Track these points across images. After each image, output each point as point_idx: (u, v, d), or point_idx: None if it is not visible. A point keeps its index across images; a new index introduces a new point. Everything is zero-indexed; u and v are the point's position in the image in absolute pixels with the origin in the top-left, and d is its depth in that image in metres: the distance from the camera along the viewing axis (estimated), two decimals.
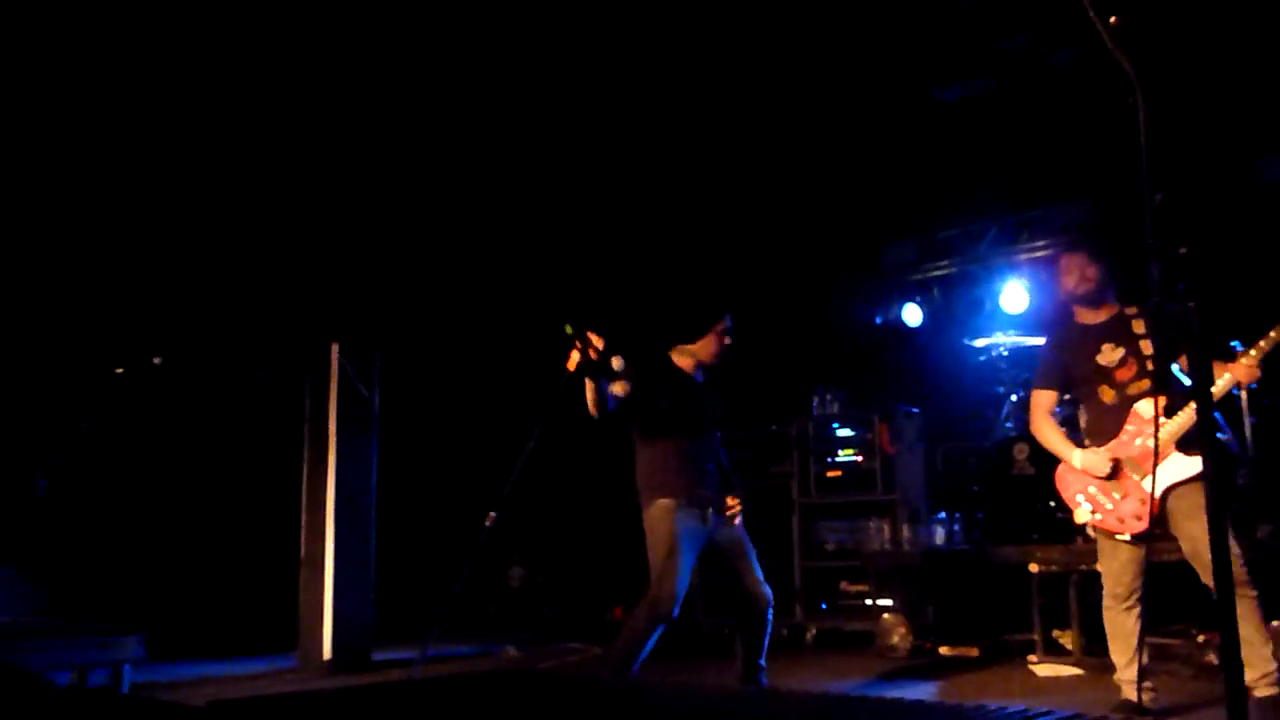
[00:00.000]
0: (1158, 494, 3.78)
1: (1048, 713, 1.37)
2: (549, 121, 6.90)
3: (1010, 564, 5.51)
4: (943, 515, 6.50)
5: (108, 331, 6.53)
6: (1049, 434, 4.18)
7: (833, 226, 8.01)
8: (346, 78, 6.28)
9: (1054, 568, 5.34)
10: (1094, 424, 4.14)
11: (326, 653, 5.90)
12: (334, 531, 6.02)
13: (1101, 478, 3.94)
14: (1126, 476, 3.92)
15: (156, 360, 5.40)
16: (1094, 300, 4.09)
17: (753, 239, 7.89)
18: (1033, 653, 5.38)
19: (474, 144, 7.03)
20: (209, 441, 7.31)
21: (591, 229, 7.72)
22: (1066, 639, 5.32)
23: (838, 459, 6.70)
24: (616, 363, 4.11)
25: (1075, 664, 5.15)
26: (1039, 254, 7.34)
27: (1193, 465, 3.77)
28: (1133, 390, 3.95)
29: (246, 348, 7.21)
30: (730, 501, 4.29)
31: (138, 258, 6.94)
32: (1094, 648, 5.14)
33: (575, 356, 4.03)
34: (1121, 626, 3.90)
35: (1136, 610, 3.88)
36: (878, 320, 7.97)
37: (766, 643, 4.18)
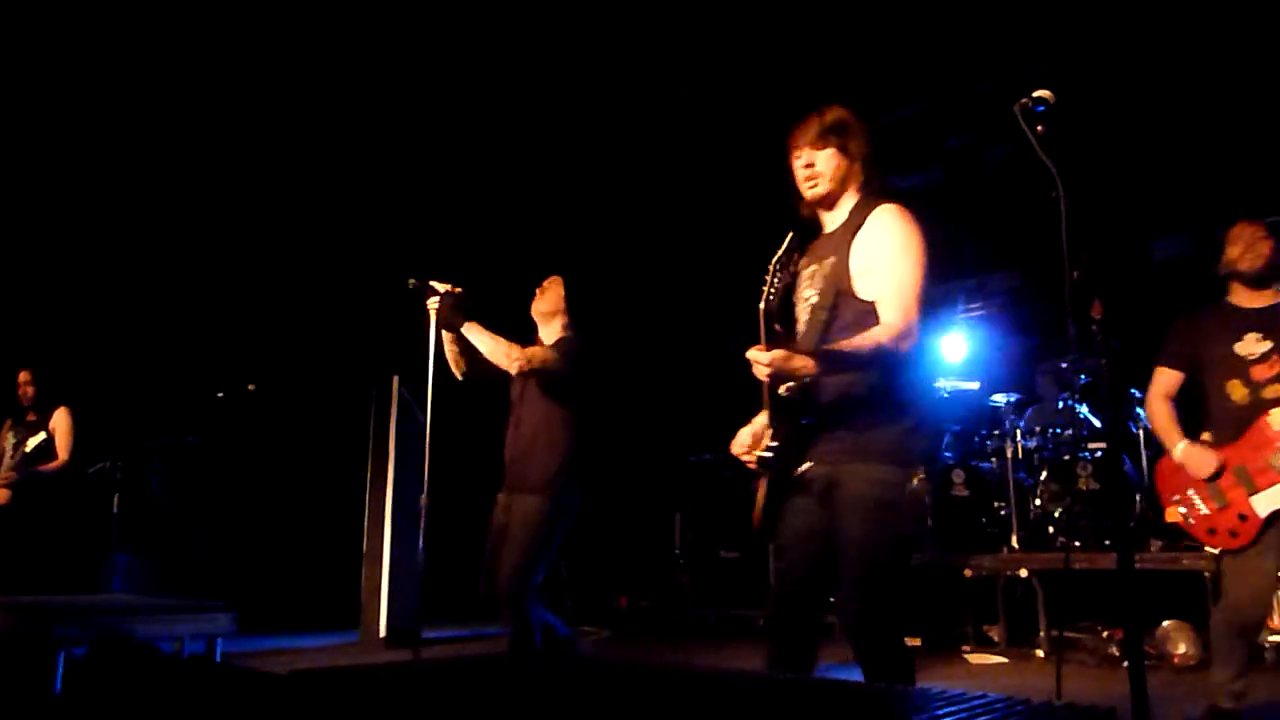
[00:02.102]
0: (1262, 514, 2.97)
1: (982, 696, 1.37)
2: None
3: (948, 569, 5.49)
4: None
5: (212, 362, 6.59)
6: (1158, 416, 3.25)
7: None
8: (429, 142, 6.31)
9: (984, 573, 5.32)
10: (1216, 419, 3.19)
11: (382, 630, 5.90)
12: (390, 531, 6.04)
13: (1203, 479, 3.09)
14: (1234, 486, 3.04)
15: (251, 387, 5.43)
16: (1257, 280, 3.14)
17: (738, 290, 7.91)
18: (966, 643, 5.35)
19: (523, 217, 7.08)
20: (290, 454, 7.33)
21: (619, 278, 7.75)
22: (994, 632, 5.29)
23: None
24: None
25: (1001, 654, 5.12)
26: (975, 313, 7.38)
27: None
28: (1269, 393, 3.03)
29: (325, 378, 7.25)
30: None
31: (238, 301, 7.01)
32: (1017, 640, 5.14)
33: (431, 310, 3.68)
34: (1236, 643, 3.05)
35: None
36: None
37: None
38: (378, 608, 5.97)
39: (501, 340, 3.61)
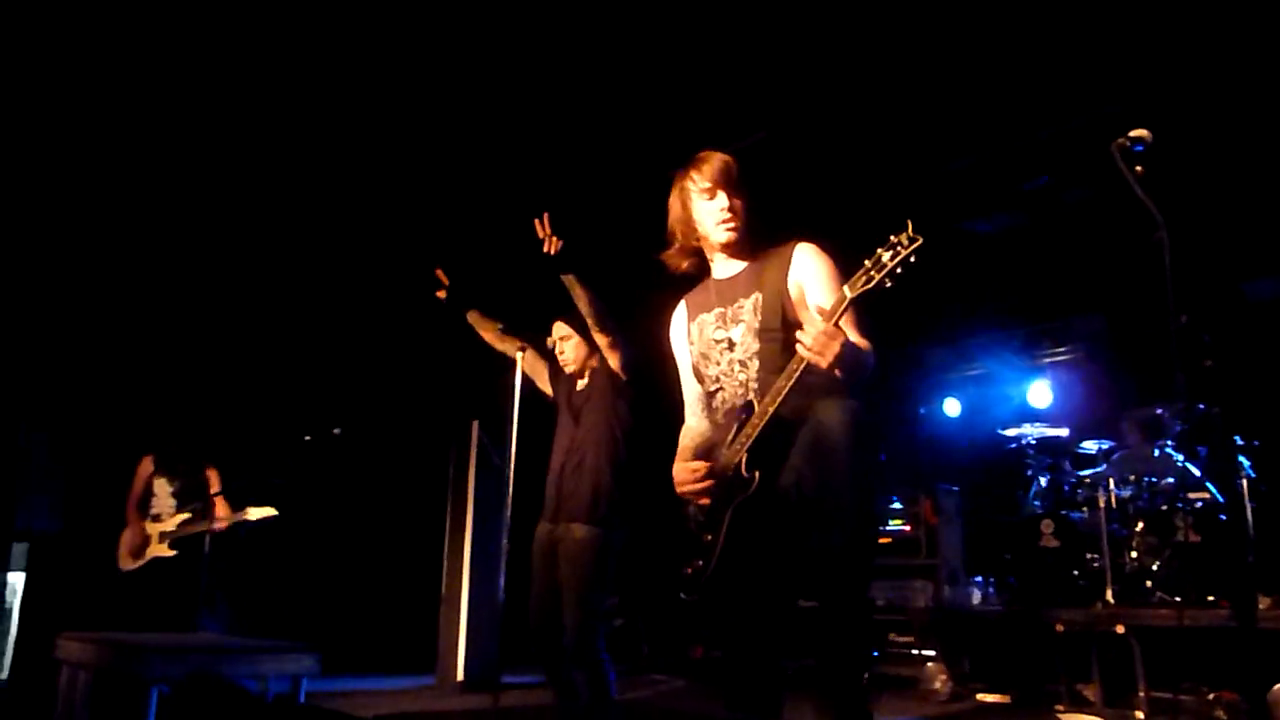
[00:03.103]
0: None
1: None
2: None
3: (1038, 623, 5.27)
4: (979, 579, 6.27)
5: (298, 405, 6.77)
6: None
7: (882, 336, 7.91)
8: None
9: (1077, 628, 5.09)
10: None
11: (459, 675, 5.90)
12: (469, 576, 6.07)
13: None
14: None
15: (336, 431, 5.54)
16: None
17: None
18: (1060, 703, 5.11)
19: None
20: (374, 497, 7.45)
21: None
22: (1089, 691, 5.04)
23: (888, 528, 6.53)
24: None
25: (1096, 714, 4.87)
26: (1060, 358, 7.19)
27: None
28: None
29: (407, 422, 7.38)
30: None
31: (324, 344, 7.20)
32: (1114, 700, 4.89)
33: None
34: None
35: None
36: (921, 411, 7.83)
37: None
38: (455, 652, 5.98)
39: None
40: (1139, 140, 2.02)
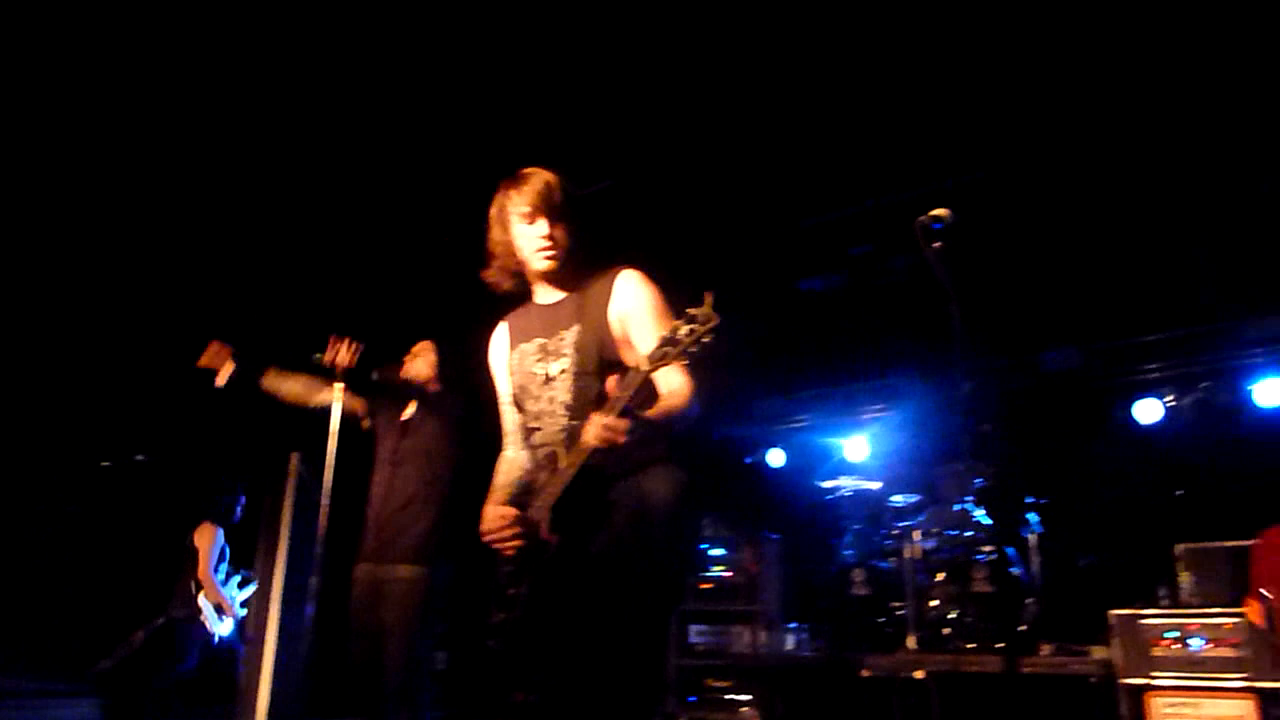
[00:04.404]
0: None
1: None
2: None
3: (846, 668, 5.51)
4: (794, 625, 6.50)
5: (99, 429, 6.30)
6: None
7: (713, 387, 8.13)
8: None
9: (882, 673, 5.35)
10: None
11: (261, 717, 5.59)
12: (278, 616, 5.79)
13: None
14: None
15: (139, 457, 5.21)
16: None
17: None
18: None
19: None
20: (178, 529, 7.00)
21: None
22: None
23: (710, 573, 6.68)
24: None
25: None
26: (878, 414, 7.60)
27: None
28: None
29: (220, 450, 6.99)
30: None
31: (130, 366, 6.75)
32: None
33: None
34: None
35: None
36: (748, 460, 8.09)
37: None
38: (256, 696, 5.67)
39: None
40: (938, 219, 2.20)
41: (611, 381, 2.16)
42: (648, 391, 2.23)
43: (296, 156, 5.61)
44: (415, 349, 3.83)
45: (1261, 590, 2.08)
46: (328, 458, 3.67)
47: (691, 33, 4.69)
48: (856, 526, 6.39)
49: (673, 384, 2.30)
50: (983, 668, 5.04)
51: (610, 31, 4.66)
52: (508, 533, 2.31)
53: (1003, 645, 5.13)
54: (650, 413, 2.20)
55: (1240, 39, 4.41)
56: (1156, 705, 4.43)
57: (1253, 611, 2.32)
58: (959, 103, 5.12)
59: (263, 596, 5.87)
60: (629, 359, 2.30)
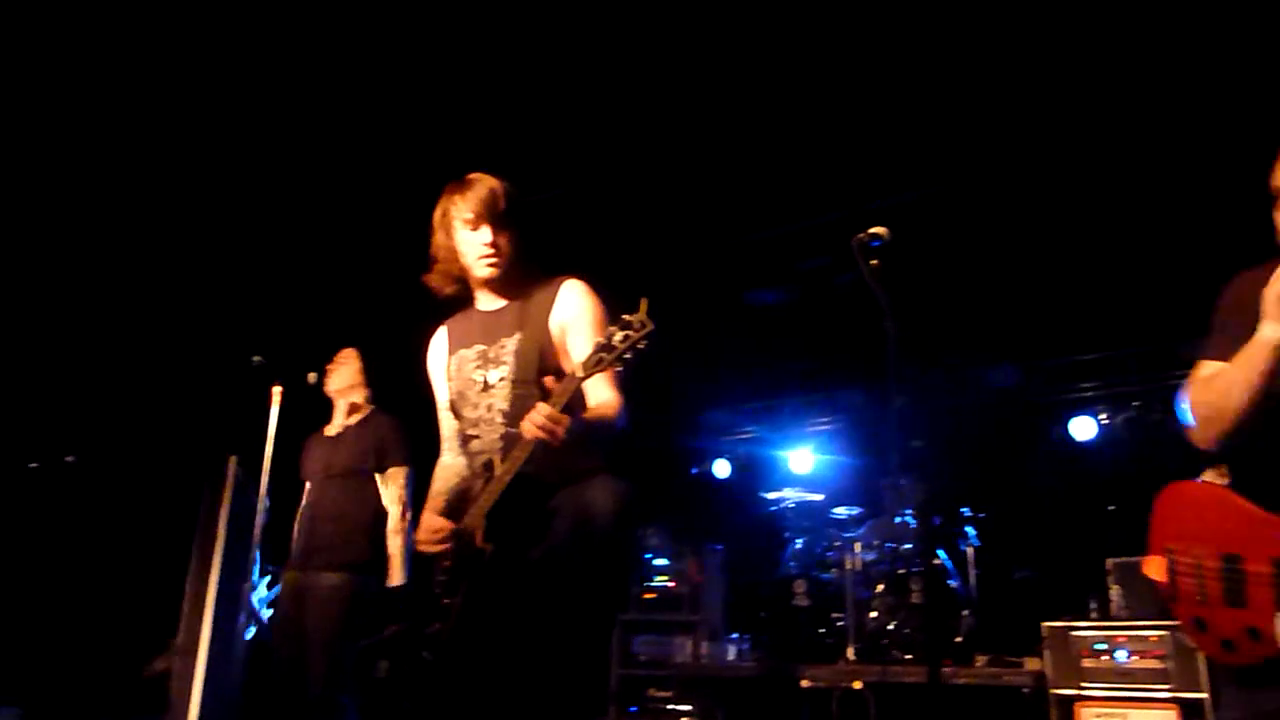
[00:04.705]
0: None
1: None
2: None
3: (786, 678, 5.56)
4: (736, 636, 6.53)
5: (25, 429, 6.12)
6: (1212, 381, 1.96)
7: (660, 397, 8.18)
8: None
9: (821, 683, 5.41)
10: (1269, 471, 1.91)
11: None
12: (211, 623, 5.66)
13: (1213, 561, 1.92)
14: (1263, 581, 1.82)
15: (69, 459, 5.06)
16: None
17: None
18: None
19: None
20: (110, 534, 6.82)
21: None
22: None
23: (654, 583, 6.70)
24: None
25: None
26: (823, 428, 7.70)
27: None
28: None
29: (155, 452, 6.83)
30: None
31: (61, 364, 6.58)
32: None
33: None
34: None
35: None
36: (694, 471, 8.13)
37: None
38: (188, 704, 5.53)
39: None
40: (876, 236, 2.25)
41: (550, 380, 2.15)
42: (579, 403, 2.23)
43: (228, 155, 5.52)
44: (338, 357, 3.78)
45: (1167, 545, 1.97)
46: (265, 463, 3.62)
47: (645, 43, 4.71)
48: (799, 538, 6.45)
49: (602, 396, 2.30)
50: (919, 679, 5.12)
51: (562, 38, 4.66)
52: (441, 547, 2.30)
53: (939, 657, 5.21)
54: (585, 415, 2.21)
55: (1180, 59, 4.54)
56: (1086, 716, 4.54)
57: (1155, 567, 2.02)
58: (908, 121, 5.22)
59: (196, 606, 5.74)
60: (569, 368, 2.27)
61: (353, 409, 3.70)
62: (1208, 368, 2.01)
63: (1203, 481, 2.08)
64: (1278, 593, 1.81)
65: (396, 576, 3.45)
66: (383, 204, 5.70)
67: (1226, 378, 1.91)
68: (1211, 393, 1.95)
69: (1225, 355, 1.95)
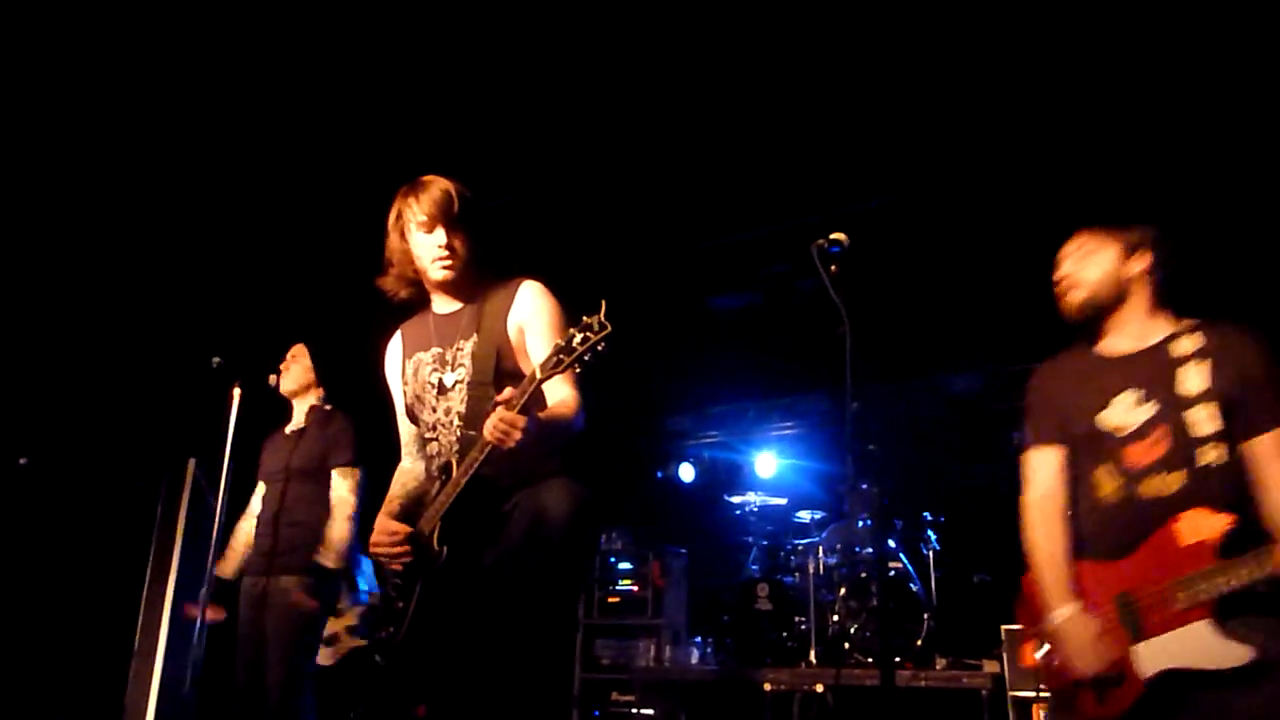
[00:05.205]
0: (1146, 673, 1.96)
1: None
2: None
3: (748, 682, 5.59)
4: (699, 639, 6.55)
5: None
6: (1040, 541, 2.32)
7: (626, 401, 8.19)
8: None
9: (783, 687, 5.44)
10: (1088, 528, 2.21)
11: None
12: (168, 627, 5.59)
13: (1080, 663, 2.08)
14: (1113, 626, 2.04)
15: (22, 460, 4.96)
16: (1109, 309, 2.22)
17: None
18: None
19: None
20: (66, 538, 6.70)
21: None
22: None
23: (617, 587, 6.70)
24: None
25: None
26: (787, 432, 7.74)
27: (1227, 654, 1.86)
28: (1147, 489, 2.06)
29: (114, 457, 6.72)
30: None
31: (13, 364, 6.45)
32: None
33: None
34: None
35: None
36: (658, 475, 8.15)
37: None
38: (144, 711, 5.46)
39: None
40: (836, 242, 2.27)
41: (508, 390, 2.14)
42: (539, 402, 2.22)
43: (186, 157, 5.46)
44: (288, 355, 3.75)
45: (1032, 630, 2.25)
46: (224, 465, 3.58)
47: (604, 48, 4.72)
48: (762, 542, 6.49)
49: (561, 395, 2.30)
50: (880, 681, 5.16)
51: (518, 42, 4.66)
52: (395, 550, 2.28)
53: (899, 660, 5.27)
54: (542, 415, 2.19)
55: (1135, 65, 4.63)
56: (1043, 717, 4.61)
57: (1032, 653, 2.26)
58: (871, 128, 5.27)
59: (153, 612, 5.67)
60: (527, 370, 2.26)
61: (311, 410, 3.67)
62: (1036, 455, 2.44)
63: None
64: (1128, 627, 2.04)
65: (332, 561, 3.40)
66: (341, 205, 5.66)
67: (1039, 559, 2.39)
68: (1032, 552, 2.43)
69: (1042, 440, 2.40)
